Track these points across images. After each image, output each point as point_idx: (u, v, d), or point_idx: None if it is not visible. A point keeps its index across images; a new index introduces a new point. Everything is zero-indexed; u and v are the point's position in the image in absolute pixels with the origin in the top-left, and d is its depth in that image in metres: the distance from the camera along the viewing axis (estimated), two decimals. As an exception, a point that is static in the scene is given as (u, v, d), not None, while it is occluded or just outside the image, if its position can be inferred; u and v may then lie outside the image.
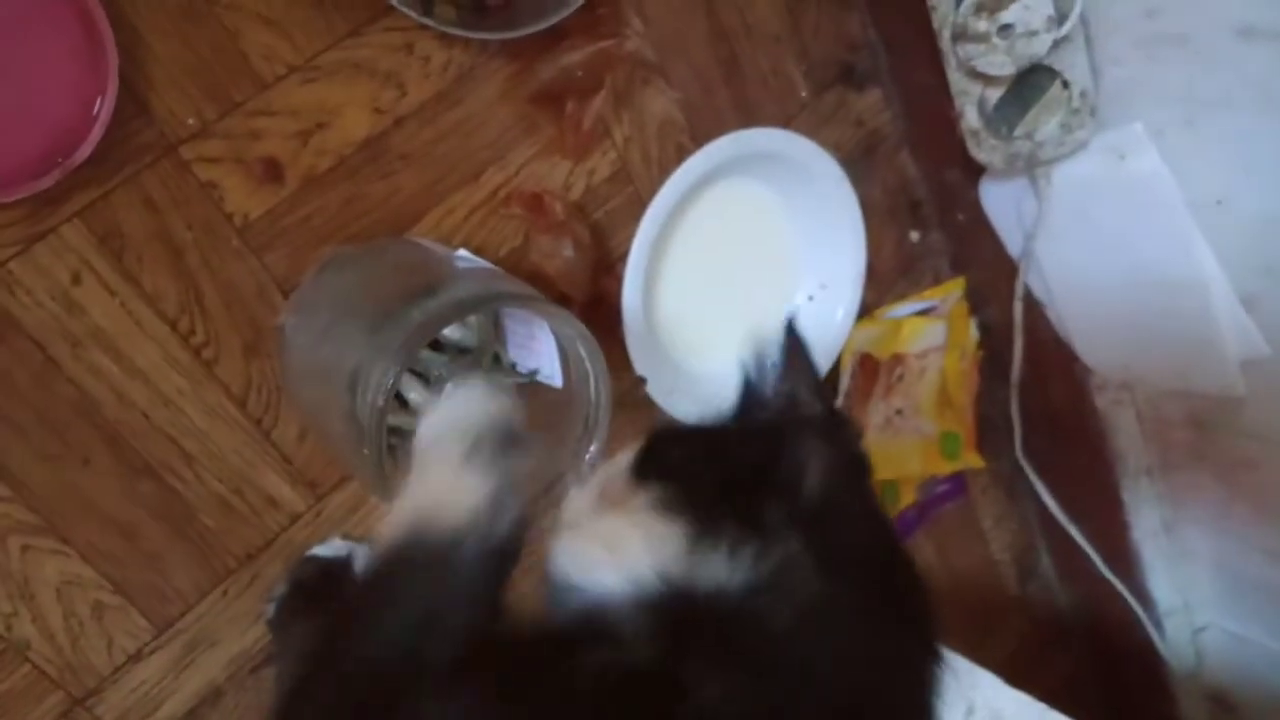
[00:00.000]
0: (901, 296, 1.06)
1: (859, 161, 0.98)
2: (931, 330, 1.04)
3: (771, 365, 0.54)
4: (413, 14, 0.69)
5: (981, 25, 0.76)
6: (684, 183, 0.81)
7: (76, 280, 0.66)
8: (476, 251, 0.78)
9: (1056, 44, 0.77)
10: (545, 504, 0.66)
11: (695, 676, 0.39)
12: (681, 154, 0.84)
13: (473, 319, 0.72)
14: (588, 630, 0.42)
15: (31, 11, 0.60)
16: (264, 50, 0.68)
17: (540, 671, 0.41)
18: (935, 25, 0.81)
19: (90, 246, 0.65)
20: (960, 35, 0.79)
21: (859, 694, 0.42)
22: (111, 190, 0.65)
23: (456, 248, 0.77)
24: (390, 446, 0.63)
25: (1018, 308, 1.00)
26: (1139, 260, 0.88)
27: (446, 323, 0.61)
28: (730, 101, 0.89)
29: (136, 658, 0.73)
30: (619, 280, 0.81)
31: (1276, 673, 1.11)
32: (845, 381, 1.00)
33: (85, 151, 0.62)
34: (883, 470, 1.04)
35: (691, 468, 0.48)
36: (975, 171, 0.96)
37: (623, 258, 0.82)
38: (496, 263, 0.79)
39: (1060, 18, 0.75)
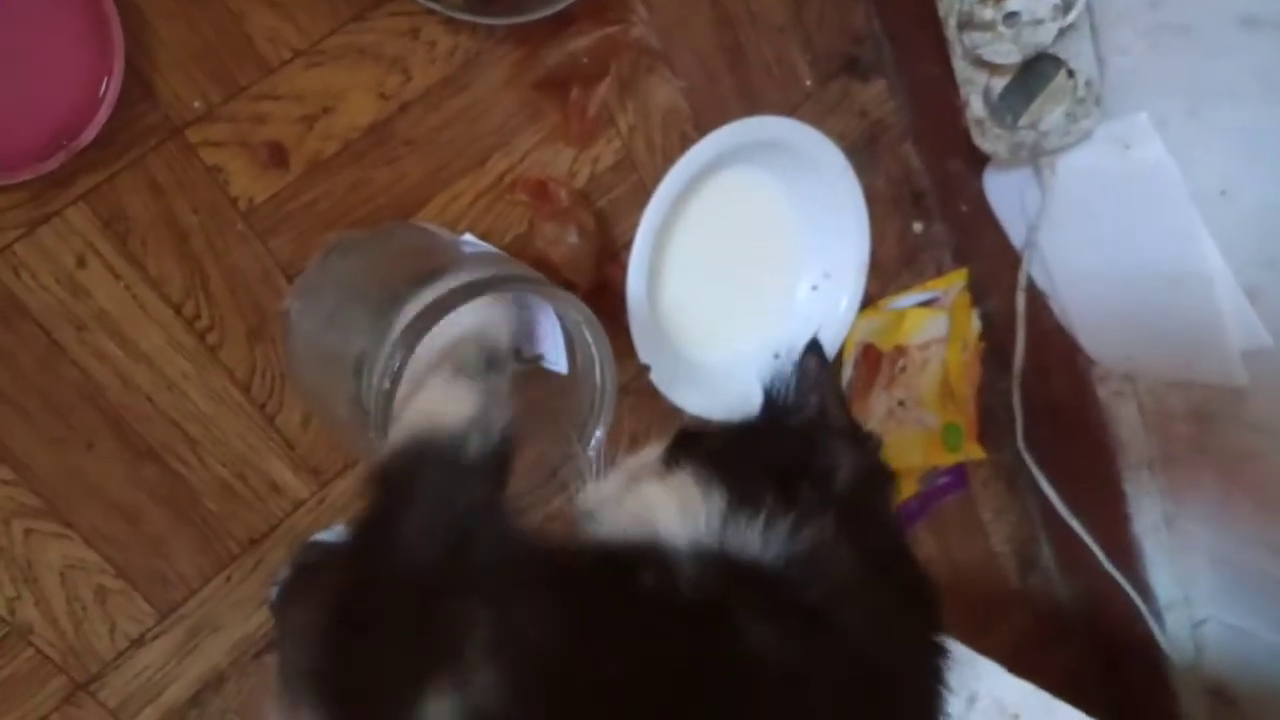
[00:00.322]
0: (904, 287, 1.06)
1: (863, 152, 0.98)
2: (934, 322, 1.05)
3: (792, 376, 0.55)
4: (419, -2, 0.69)
5: (987, 13, 0.76)
6: (688, 171, 0.81)
7: (81, 263, 0.65)
8: (481, 238, 0.78)
9: (1062, 33, 0.77)
10: (551, 489, 0.67)
11: (746, 620, 0.39)
12: (686, 142, 0.84)
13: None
14: (643, 557, 0.43)
15: (37, -7, 0.60)
16: (269, 33, 0.68)
17: (597, 582, 0.41)
18: (941, 13, 0.81)
19: (95, 230, 0.65)
20: (966, 23, 0.79)
21: (886, 670, 0.43)
22: (117, 173, 0.65)
23: (462, 233, 0.77)
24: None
25: (1020, 298, 1.00)
26: (1142, 251, 0.88)
27: (453, 307, 0.61)
28: (735, 90, 0.89)
29: (139, 642, 0.73)
30: (623, 268, 0.81)
31: (1277, 666, 1.11)
32: (848, 372, 1.00)
33: (90, 134, 0.61)
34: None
35: (728, 456, 0.50)
36: (978, 162, 0.96)
37: (627, 245, 0.82)
38: (501, 249, 0.79)
39: (1066, 6, 0.75)
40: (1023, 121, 0.83)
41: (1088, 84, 0.80)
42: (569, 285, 0.81)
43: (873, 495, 0.51)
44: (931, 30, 0.84)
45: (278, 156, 0.70)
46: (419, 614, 0.40)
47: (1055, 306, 1.01)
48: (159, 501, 0.71)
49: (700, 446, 0.51)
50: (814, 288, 0.96)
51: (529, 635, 0.39)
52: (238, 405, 0.72)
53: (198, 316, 0.70)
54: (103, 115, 0.61)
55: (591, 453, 0.68)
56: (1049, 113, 0.82)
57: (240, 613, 0.76)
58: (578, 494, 0.53)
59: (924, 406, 1.05)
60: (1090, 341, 1.01)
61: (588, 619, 0.40)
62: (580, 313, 0.63)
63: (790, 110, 0.92)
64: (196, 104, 0.67)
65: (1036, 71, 0.80)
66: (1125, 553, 1.13)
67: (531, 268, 0.71)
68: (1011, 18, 0.76)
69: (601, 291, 0.83)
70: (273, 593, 0.76)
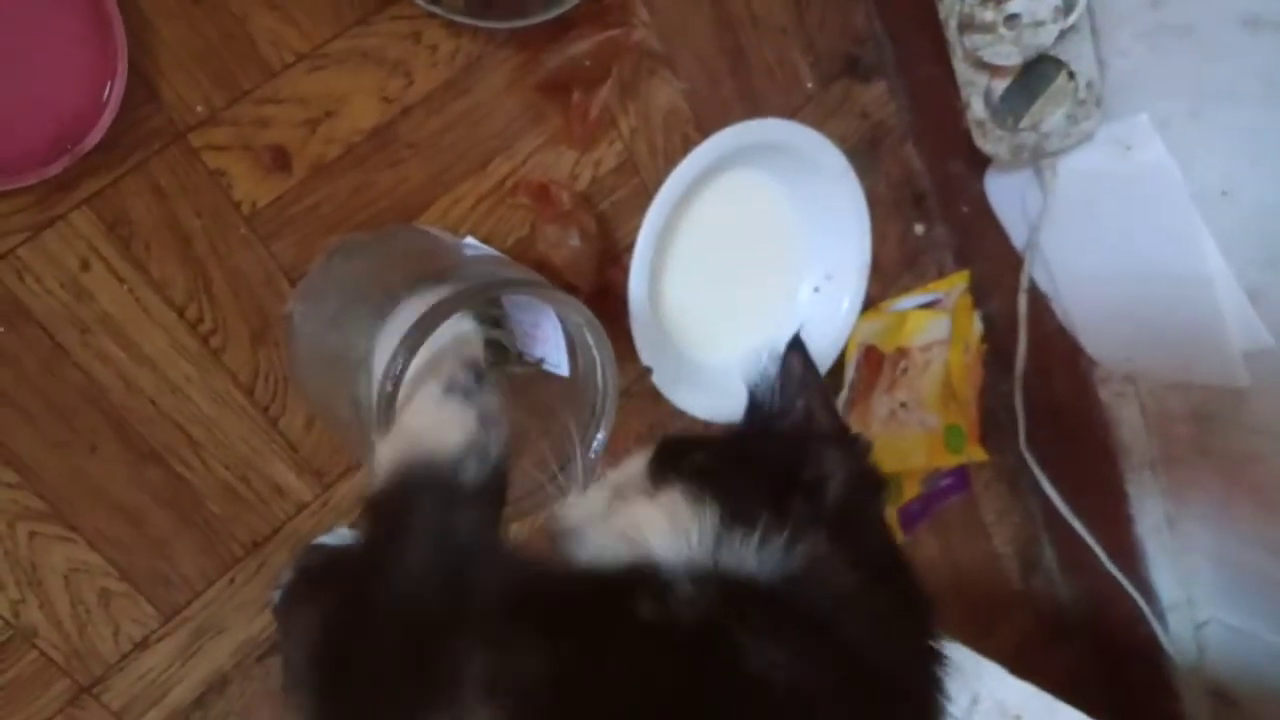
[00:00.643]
0: (906, 289, 1.06)
1: (864, 154, 0.98)
2: (936, 323, 1.05)
3: (777, 378, 0.55)
4: (421, 2, 0.69)
5: (988, 15, 0.77)
6: (690, 173, 0.81)
7: (85, 267, 0.66)
8: (483, 241, 0.78)
9: (1063, 34, 0.77)
10: (552, 492, 0.67)
11: (748, 643, 0.39)
12: (687, 145, 0.85)
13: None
14: (638, 581, 0.42)
15: (41, -4, 0.60)
16: (272, 37, 0.68)
17: (592, 615, 0.41)
18: (941, 15, 0.81)
19: (99, 233, 0.65)
20: (967, 25, 0.79)
21: (887, 681, 0.42)
22: (120, 177, 0.65)
23: (464, 236, 0.77)
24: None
25: (1022, 300, 1.00)
26: (1144, 252, 0.88)
27: (455, 310, 0.61)
28: (736, 93, 0.89)
29: (143, 645, 0.73)
30: (625, 271, 0.82)
31: (1278, 667, 1.11)
32: (850, 374, 1.00)
33: (94, 138, 0.62)
34: (886, 463, 1.04)
35: (717, 468, 0.49)
36: (980, 164, 0.96)
37: (629, 248, 0.82)
38: (503, 252, 0.80)
39: (1067, 8, 0.75)
40: (1024, 123, 0.83)
41: (1089, 85, 0.80)
42: (571, 288, 0.82)
43: (865, 503, 0.50)
44: (932, 32, 0.84)
45: (280, 160, 0.70)
46: (415, 651, 0.40)
47: (1057, 308, 1.01)
48: (162, 504, 0.71)
49: (686, 459, 0.50)
50: (816, 290, 0.96)
51: (525, 673, 0.39)
52: (241, 408, 0.73)
53: (201, 320, 0.70)
54: (106, 119, 0.62)
55: (593, 455, 0.68)
56: (1050, 114, 0.82)
57: (244, 615, 0.76)
58: (560, 510, 0.51)
59: (926, 408, 1.05)
60: (1092, 343, 1.01)
61: (584, 654, 0.39)
62: (582, 315, 0.64)
63: (792, 112, 0.93)
64: (199, 108, 0.67)
65: (1037, 73, 0.80)
66: (1127, 554, 1.13)
67: (533, 270, 0.71)
68: (1012, 19, 0.76)
69: (603, 294, 0.83)
70: (275, 596, 0.76)
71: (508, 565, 0.46)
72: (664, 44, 0.84)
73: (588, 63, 0.77)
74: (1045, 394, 1.08)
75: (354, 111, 0.72)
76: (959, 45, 0.81)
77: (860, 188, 0.93)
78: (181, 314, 0.69)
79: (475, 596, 0.42)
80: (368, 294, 0.66)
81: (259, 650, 0.77)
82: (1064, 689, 0.89)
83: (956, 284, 1.07)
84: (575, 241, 0.80)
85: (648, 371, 0.84)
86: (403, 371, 0.58)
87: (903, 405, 1.04)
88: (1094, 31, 0.79)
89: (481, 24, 0.72)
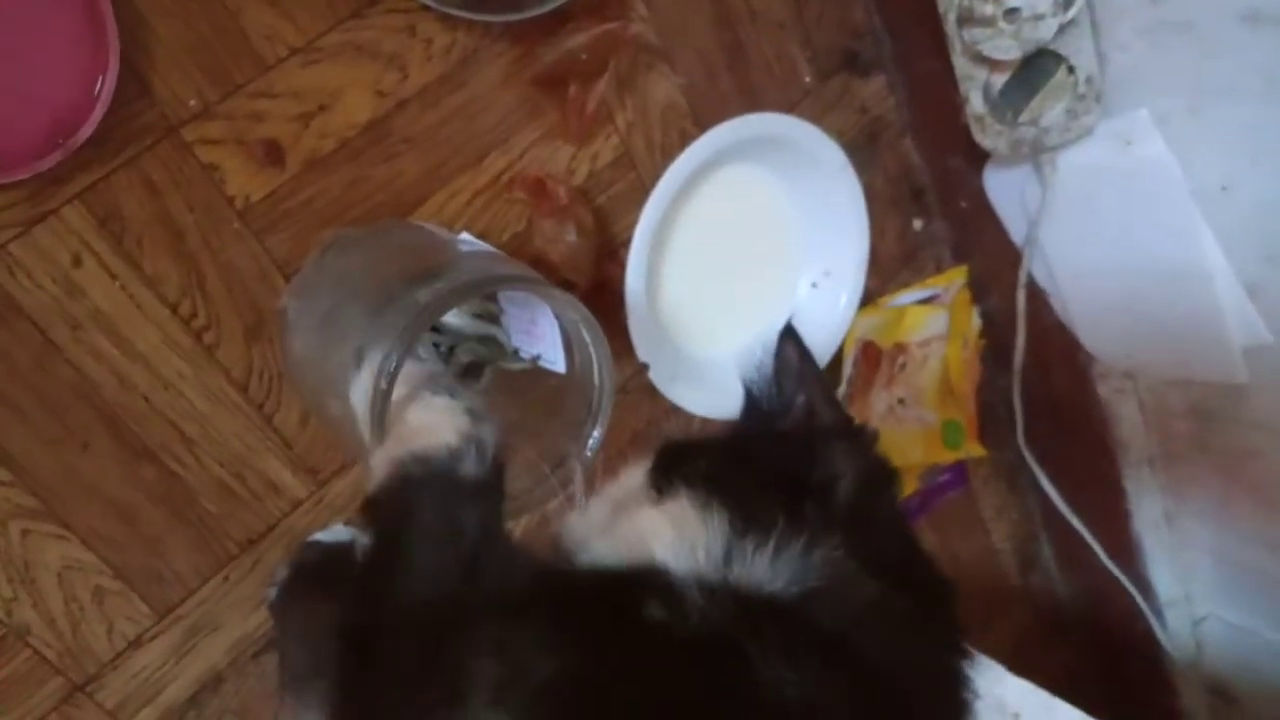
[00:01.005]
0: (904, 285, 1.06)
1: (862, 148, 0.98)
2: (934, 319, 1.04)
3: (773, 372, 0.53)
4: (416, -5, 0.69)
5: (988, 9, 0.76)
6: (687, 168, 0.81)
7: (77, 262, 0.65)
8: (479, 236, 0.77)
9: (1062, 29, 0.76)
10: (550, 489, 0.66)
11: (761, 658, 0.38)
12: (685, 139, 0.84)
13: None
14: (648, 585, 0.41)
15: (33, -10, 0.60)
16: (266, 31, 0.68)
17: (600, 617, 0.40)
18: (941, 9, 0.80)
19: (91, 228, 0.65)
20: (966, 19, 0.78)
21: (909, 688, 0.41)
22: (112, 172, 0.65)
23: (459, 232, 0.77)
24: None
25: (1021, 296, 0.99)
26: (1143, 247, 0.88)
27: (450, 306, 0.61)
28: (734, 87, 0.89)
29: (137, 643, 0.73)
30: (622, 266, 0.81)
31: (1277, 664, 1.11)
32: (848, 369, 1.00)
33: (86, 132, 0.61)
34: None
35: (722, 473, 0.47)
36: (978, 159, 0.96)
37: (626, 243, 0.82)
38: (499, 248, 0.79)
39: (1066, 2, 0.75)
40: (1023, 118, 0.82)
41: (1088, 80, 0.80)
42: (567, 283, 0.81)
43: (879, 500, 0.49)
44: (931, 26, 0.83)
45: (274, 154, 0.70)
46: (427, 651, 0.39)
47: (1056, 303, 1.00)
48: (156, 502, 0.71)
49: (689, 465, 0.49)
50: (814, 285, 0.96)
51: (536, 675, 0.38)
52: (235, 405, 0.72)
53: (194, 315, 0.69)
54: (99, 113, 0.61)
55: (589, 452, 0.67)
56: (1049, 109, 0.81)
57: (239, 613, 0.76)
58: (564, 527, 0.49)
59: (924, 404, 1.05)
60: (1090, 339, 1.01)
61: (594, 657, 0.38)
62: (578, 312, 0.63)
63: (790, 107, 0.92)
64: (193, 102, 0.66)
65: (1037, 67, 0.80)
66: (1126, 550, 1.13)
67: (529, 266, 0.71)
68: (1012, 13, 0.76)
69: (600, 289, 0.83)
70: (271, 593, 0.76)
71: (514, 562, 0.46)
72: (661, 38, 0.84)
73: (584, 56, 0.77)
74: (1044, 390, 1.08)
75: (348, 106, 0.72)
76: (958, 39, 0.81)
77: (858, 183, 0.92)
78: (174, 310, 0.69)
79: (484, 595, 0.41)
80: (362, 290, 0.65)
81: (254, 648, 0.77)
82: (1062, 685, 0.89)
83: (955, 279, 1.07)
84: (572, 237, 0.80)
85: (644, 368, 0.83)
86: (397, 368, 0.58)
87: (901, 401, 1.04)
88: (1094, 26, 0.79)
89: (477, 17, 0.72)
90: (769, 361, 0.53)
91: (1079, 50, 0.79)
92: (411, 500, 0.46)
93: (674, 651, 0.39)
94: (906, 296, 1.05)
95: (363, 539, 0.76)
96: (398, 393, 0.52)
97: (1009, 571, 1.29)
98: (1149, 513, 1.11)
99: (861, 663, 0.40)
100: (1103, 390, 1.05)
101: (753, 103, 0.90)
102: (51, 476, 0.67)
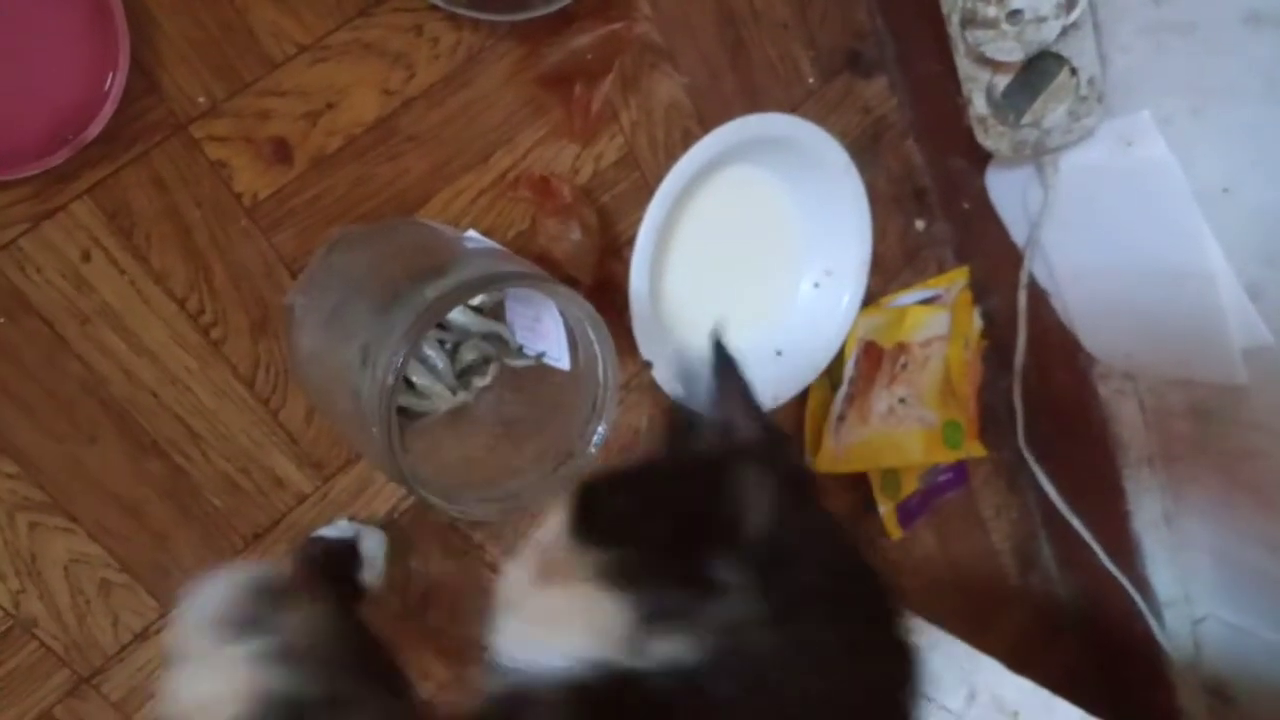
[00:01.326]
0: (906, 285, 1.06)
1: (865, 149, 0.98)
2: (935, 319, 1.05)
3: (706, 388, 0.52)
4: (423, -6, 0.69)
5: (991, 11, 0.76)
6: (691, 168, 0.81)
7: (86, 258, 0.66)
8: (484, 234, 0.78)
9: (1065, 31, 0.77)
10: (554, 483, 0.67)
11: None
12: (688, 139, 0.85)
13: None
14: (514, 711, 0.39)
15: (43, -13, 0.60)
16: (273, 29, 0.68)
17: None
18: (944, 11, 0.81)
19: (100, 224, 0.65)
20: (969, 21, 0.79)
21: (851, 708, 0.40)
22: (121, 168, 0.65)
23: (465, 230, 0.77)
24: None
25: (1022, 296, 1.00)
26: (1144, 249, 0.88)
27: (456, 303, 0.61)
28: (737, 87, 0.89)
29: (143, 636, 0.73)
30: (625, 265, 0.82)
31: (1275, 664, 1.11)
32: (849, 369, 1.00)
33: (96, 129, 0.62)
34: (885, 458, 1.04)
35: (631, 523, 0.45)
36: (980, 160, 0.97)
37: (629, 242, 0.82)
38: (504, 246, 0.79)
39: (1069, 4, 0.75)
40: (1025, 119, 0.83)
41: (1090, 82, 0.80)
42: (571, 282, 0.82)
43: (793, 515, 0.45)
44: (934, 27, 0.84)
45: (282, 152, 0.70)
46: None
47: (1056, 304, 1.01)
48: (163, 496, 0.72)
49: (606, 512, 0.46)
50: (816, 285, 0.96)
51: None
52: (241, 400, 0.73)
53: (202, 311, 0.70)
54: (108, 110, 0.62)
55: (592, 449, 0.68)
56: (1052, 110, 0.82)
57: (243, 607, 0.76)
58: (497, 581, 0.46)
59: (925, 404, 1.06)
60: (1091, 339, 1.01)
61: None
62: (582, 309, 0.64)
63: (793, 107, 0.93)
64: (201, 99, 0.67)
65: (1039, 69, 0.80)
66: (1125, 550, 1.13)
67: (534, 264, 0.71)
68: (1015, 15, 0.76)
69: (603, 288, 0.83)
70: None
71: None
72: (666, 38, 0.84)
73: (589, 56, 0.77)
74: (1044, 390, 1.08)
75: (355, 104, 0.72)
76: (961, 41, 0.81)
77: (861, 183, 0.93)
78: (182, 305, 0.69)
79: None
80: (368, 287, 0.66)
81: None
82: (1061, 685, 0.89)
83: (956, 280, 1.07)
84: (576, 235, 0.80)
85: (648, 366, 0.84)
86: (403, 365, 0.59)
87: (902, 401, 1.05)
88: (1096, 28, 0.79)
89: (483, 17, 0.72)
90: (696, 378, 0.51)
91: (1081, 52, 0.79)
92: None
93: None
94: (908, 297, 1.05)
95: (364, 535, 0.77)
96: (183, 652, 0.46)
97: (1008, 571, 1.29)
98: (1148, 513, 1.11)
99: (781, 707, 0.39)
100: (1103, 391, 1.05)
101: (756, 103, 0.90)
102: (59, 470, 0.68)
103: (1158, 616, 1.16)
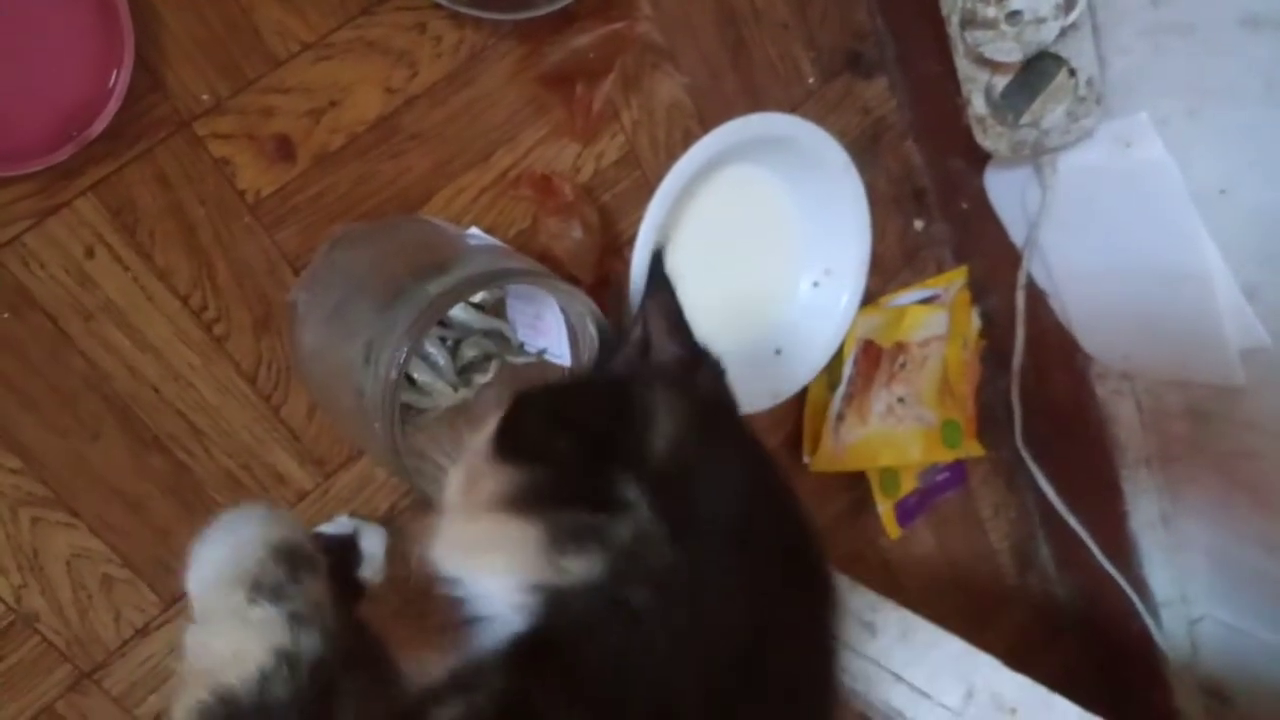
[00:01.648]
0: (905, 285, 1.06)
1: (864, 149, 0.98)
2: (934, 319, 1.05)
3: (635, 306, 0.51)
4: (426, -7, 0.69)
5: (990, 11, 0.77)
6: (691, 167, 0.82)
7: (90, 254, 0.66)
8: (486, 232, 0.78)
9: (1064, 31, 0.77)
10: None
11: (548, 704, 0.37)
12: (689, 139, 0.85)
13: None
14: (449, 687, 0.40)
15: (48, -16, 0.60)
16: (277, 27, 0.68)
17: None
18: (943, 11, 0.81)
19: (104, 221, 0.66)
20: (969, 21, 0.79)
21: (734, 655, 0.40)
22: (125, 165, 0.66)
23: (467, 227, 0.77)
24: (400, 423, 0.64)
25: (1020, 297, 1.00)
26: (1142, 249, 0.88)
27: (459, 299, 0.61)
28: (738, 87, 0.90)
29: (144, 631, 0.73)
30: (626, 263, 0.82)
31: (1272, 664, 1.12)
32: (848, 368, 1.01)
33: (100, 126, 0.62)
34: (884, 457, 1.05)
35: (544, 441, 0.46)
36: (979, 161, 0.97)
37: (630, 241, 0.83)
38: (505, 243, 0.80)
39: (1068, 5, 0.76)
40: (1024, 120, 0.83)
41: (1089, 83, 0.80)
42: (572, 280, 0.82)
43: (700, 441, 0.45)
44: (934, 28, 0.84)
45: (285, 149, 0.70)
46: None
47: (1055, 304, 1.01)
48: (164, 491, 0.72)
49: (525, 429, 0.47)
50: (815, 284, 0.97)
51: None
52: (244, 396, 0.73)
53: (205, 308, 0.70)
54: (112, 107, 0.62)
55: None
56: (1050, 111, 0.82)
57: (244, 603, 0.76)
58: (441, 486, 0.48)
59: (923, 403, 1.06)
60: (1089, 340, 1.01)
61: None
62: (584, 305, 0.64)
63: (793, 107, 0.93)
64: (205, 96, 0.67)
65: (1038, 70, 0.81)
66: (1122, 550, 1.14)
67: (536, 262, 0.72)
68: (1014, 16, 0.77)
69: (604, 286, 0.84)
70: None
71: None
72: (667, 38, 0.84)
73: (591, 55, 0.77)
74: (1042, 390, 1.08)
75: (358, 102, 0.72)
76: (960, 41, 0.82)
77: (861, 183, 0.93)
78: (185, 302, 0.69)
79: None
80: (371, 284, 0.66)
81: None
82: (1058, 685, 0.89)
83: (955, 280, 1.08)
84: (577, 234, 0.80)
85: (648, 364, 0.84)
86: (406, 361, 0.59)
87: (900, 400, 1.05)
88: (1095, 29, 0.79)
89: (485, 15, 0.73)
90: (625, 294, 0.51)
91: (1080, 53, 0.79)
92: None
93: None
94: (907, 296, 1.06)
95: (365, 532, 0.77)
96: (206, 608, 0.46)
97: (1006, 571, 1.30)
98: (1146, 513, 1.12)
99: (675, 640, 0.39)
100: (1100, 391, 1.05)
101: (756, 103, 0.90)
102: (61, 465, 0.68)
103: (1155, 617, 1.17)
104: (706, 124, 0.86)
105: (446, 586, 0.43)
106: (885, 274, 1.04)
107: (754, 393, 0.92)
